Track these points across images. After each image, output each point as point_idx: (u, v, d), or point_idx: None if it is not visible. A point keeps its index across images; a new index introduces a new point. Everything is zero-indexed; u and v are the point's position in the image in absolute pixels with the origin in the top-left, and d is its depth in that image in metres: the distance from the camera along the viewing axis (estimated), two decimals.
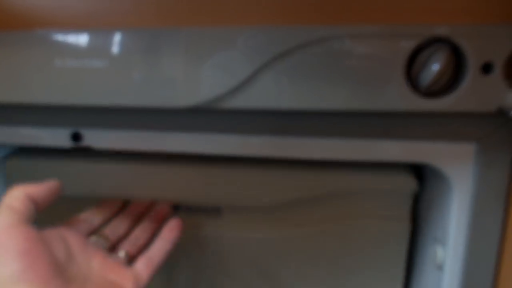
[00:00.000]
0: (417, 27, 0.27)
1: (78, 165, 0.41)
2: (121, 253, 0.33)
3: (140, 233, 0.37)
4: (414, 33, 0.27)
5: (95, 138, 0.36)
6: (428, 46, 0.27)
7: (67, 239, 0.29)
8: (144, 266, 0.33)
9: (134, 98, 0.31)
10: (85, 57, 0.31)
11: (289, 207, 0.42)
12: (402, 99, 0.28)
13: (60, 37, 0.31)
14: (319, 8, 0.28)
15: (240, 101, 0.29)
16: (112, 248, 0.34)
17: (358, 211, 0.41)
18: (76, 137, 0.36)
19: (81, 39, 0.31)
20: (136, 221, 0.38)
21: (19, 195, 0.27)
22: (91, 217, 0.35)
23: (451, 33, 0.26)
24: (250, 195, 0.41)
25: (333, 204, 0.41)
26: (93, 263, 0.30)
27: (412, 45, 0.27)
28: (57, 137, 0.37)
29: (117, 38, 0.30)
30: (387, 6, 0.28)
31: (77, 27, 0.32)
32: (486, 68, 0.27)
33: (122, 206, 0.40)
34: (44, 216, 0.29)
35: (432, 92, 0.28)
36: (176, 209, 0.46)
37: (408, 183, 0.37)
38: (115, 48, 0.30)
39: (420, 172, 0.39)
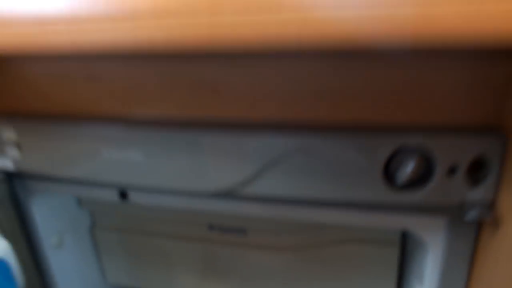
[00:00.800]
0: (392, 137, 0.32)
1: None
2: None
3: None
4: (390, 142, 0.32)
5: (138, 197, 0.45)
6: (402, 151, 0.32)
7: None
8: None
9: (163, 184, 0.39)
10: (126, 149, 0.39)
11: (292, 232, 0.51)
12: (381, 194, 0.34)
13: (104, 131, 0.39)
14: (306, 112, 0.34)
15: (248, 192, 0.36)
16: None
17: (352, 235, 0.49)
18: (123, 195, 0.46)
19: (122, 134, 0.38)
20: None
21: None
22: None
23: (422, 142, 0.32)
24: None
25: (329, 228, 0.49)
26: None
27: (389, 151, 0.32)
28: (109, 194, 0.46)
29: (152, 136, 0.37)
30: (365, 110, 0.33)
31: (116, 118, 0.39)
32: (452, 171, 0.32)
33: None
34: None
35: (406, 187, 0.33)
36: (211, 229, 0.56)
37: None
38: (149, 145, 0.38)
39: None
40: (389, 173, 0.33)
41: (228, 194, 0.37)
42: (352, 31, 0.21)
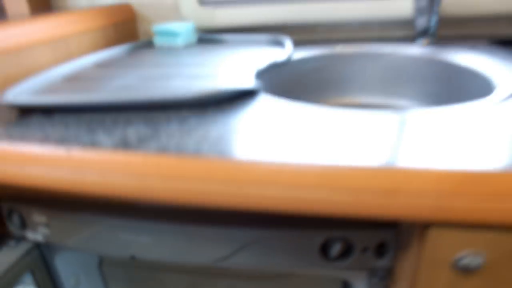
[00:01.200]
0: (324, 231, 0.47)
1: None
2: None
3: None
4: (322, 234, 0.47)
5: (144, 257, 0.59)
6: (331, 239, 0.48)
7: None
8: None
9: (165, 255, 0.53)
10: (137, 233, 0.52)
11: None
12: (319, 264, 0.49)
13: (120, 219, 0.52)
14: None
15: (226, 263, 0.51)
16: None
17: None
18: (132, 257, 0.59)
19: (135, 223, 0.52)
20: None
21: None
22: None
23: (343, 235, 0.47)
24: None
25: None
26: None
27: (321, 240, 0.48)
28: (121, 255, 0.59)
29: (156, 224, 0.51)
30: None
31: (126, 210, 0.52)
32: (364, 250, 0.48)
33: None
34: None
35: (336, 259, 0.49)
36: None
37: None
38: (154, 230, 0.51)
39: None
40: (325, 250, 0.49)
41: (213, 264, 0.52)
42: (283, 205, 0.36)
